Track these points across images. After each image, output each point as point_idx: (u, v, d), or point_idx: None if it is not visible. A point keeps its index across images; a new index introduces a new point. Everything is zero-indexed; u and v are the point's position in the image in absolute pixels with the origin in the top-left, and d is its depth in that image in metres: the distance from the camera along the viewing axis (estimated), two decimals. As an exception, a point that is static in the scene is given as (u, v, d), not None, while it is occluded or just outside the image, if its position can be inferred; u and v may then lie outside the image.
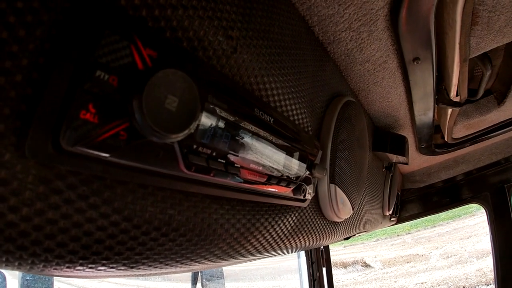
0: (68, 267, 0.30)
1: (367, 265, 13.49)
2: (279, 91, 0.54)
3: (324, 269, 2.38)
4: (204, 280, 2.77)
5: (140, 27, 0.28)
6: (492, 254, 2.29)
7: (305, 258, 2.37)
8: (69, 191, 0.27)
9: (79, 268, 0.31)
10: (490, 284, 8.76)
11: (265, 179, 0.46)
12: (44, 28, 0.24)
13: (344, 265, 13.62)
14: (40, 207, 0.26)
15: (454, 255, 11.81)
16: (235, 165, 0.40)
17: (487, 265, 9.40)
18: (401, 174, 2.52)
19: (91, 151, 0.25)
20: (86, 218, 0.28)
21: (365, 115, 1.23)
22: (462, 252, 11.69)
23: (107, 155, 0.26)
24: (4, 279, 2.10)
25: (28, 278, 1.75)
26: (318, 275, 2.35)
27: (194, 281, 2.37)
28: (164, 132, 0.27)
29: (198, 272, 2.41)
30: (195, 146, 0.33)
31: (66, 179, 0.27)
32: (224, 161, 0.38)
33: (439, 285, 10.23)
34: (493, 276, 2.29)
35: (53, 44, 0.24)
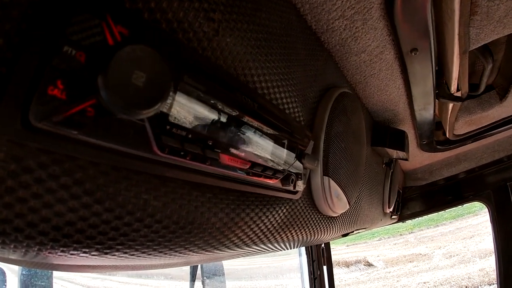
0: (39, 250, 0.29)
1: (369, 264, 13.49)
2: (266, 77, 0.52)
3: (325, 268, 2.37)
4: (204, 277, 2.77)
5: (113, 6, 0.27)
6: (495, 253, 2.26)
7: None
8: (40, 170, 0.26)
9: (50, 251, 0.30)
10: (493, 284, 8.73)
11: (248, 166, 0.44)
12: (21, 8, 0.24)
13: (347, 264, 13.64)
14: (10, 185, 0.25)
15: (457, 255, 11.79)
16: (215, 149, 0.38)
17: (490, 264, 9.37)
18: (402, 171, 2.49)
19: (58, 127, 0.25)
20: (56, 198, 0.28)
21: (363, 108, 1.21)
22: (465, 252, 11.66)
23: (74, 132, 0.26)
24: (4, 274, 2.10)
25: (24, 272, 1.76)
26: (319, 273, 2.34)
27: (193, 278, 2.36)
28: (130, 108, 0.26)
29: (197, 269, 2.40)
30: (168, 127, 0.32)
31: (38, 157, 0.26)
32: (201, 145, 0.36)
33: (441, 284, 10.21)
34: (495, 275, 2.26)
35: (29, 24, 0.24)
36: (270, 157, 0.49)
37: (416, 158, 2.11)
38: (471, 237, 12.63)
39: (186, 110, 0.34)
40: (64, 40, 0.24)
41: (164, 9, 0.34)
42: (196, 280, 2.45)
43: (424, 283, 10.68)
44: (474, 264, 10.63)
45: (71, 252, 0.32)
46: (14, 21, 0.24)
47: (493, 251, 2.29)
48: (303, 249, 2.39)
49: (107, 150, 0.29)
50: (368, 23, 0.74)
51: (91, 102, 0.26)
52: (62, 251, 0.31)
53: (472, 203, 2.55)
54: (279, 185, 0.54)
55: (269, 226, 0.59)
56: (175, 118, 0.33)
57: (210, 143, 0.38)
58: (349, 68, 0.93)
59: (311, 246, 2.35)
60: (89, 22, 0.26)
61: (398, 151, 1.39)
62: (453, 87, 1.16)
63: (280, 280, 10.92)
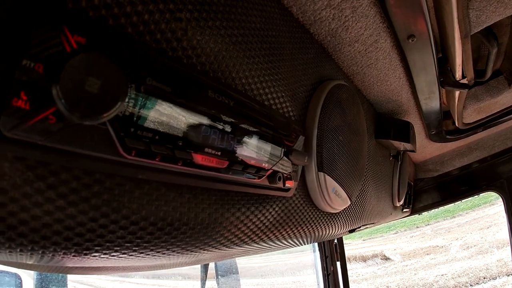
0: (21, 251, 0.31)
1: (386, 258, 13.39)
2: (246, 73, 0.51)
3: (338, 264, 2.34)
4: (219, 276, 2.77)
5: (70, 16, 0.29)
6: (510, 243, 2.20)
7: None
8: (16, 176, 0.28)
9: (28, 253, 0.32)
10: (511, 274, 8.57)
11: (226, 165, 0.43)
12: None
13: (364, 259, 13.57)
14: None
15: (475, 246, 11.60)
16: (186, 150, 0.38)
17: (508, 255, 9.19)
18: (413, 163, 2.44)
19: (24, 135, 0.26)
20: (32, 202, 0.29)
21: (364, 100, 1.18)
22: (483, 243, 11.47)
23: (40, 138, 0.27)
24: (19, 278, 2.15)
25: (36, 277, 1.79)
26: (332, 269, 2.31)
27: (204, 277, 2.36)
28: (85, 115, 0.28)
29: (208, 268, 2.41)
30: (133, 130, 0.32)
31: (13, 164, 0.28)
32: (171, 146, 0.36)
33: (459, 276, 10.06)
34: (513, 266, 2.21)
35: None
36: (251, 155, 0.48)
37: (426, 149, 2.06)
38: (488, 227, 12.41)
39: (152, 111, 0.34)
40: (22, 53, 0.26)
41: (128, 13, 0.35)
42: (209, 278, 2.46)
43: (442, 275, 10.54)
44: (492, 254, 10.46)
45: (52, 253, 0.33)
46: None
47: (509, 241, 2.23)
48: (316, 245, 2.37)
49: (75, 155, 0.30)
50: (357, 10, 0.71)
51: (52, 110, 0.27)
52: (43, 252, 0.32)
53: (487, 192, 2.49)
54: (266, 182, 0.53)
55: (259, 225, 0.57)
56: (140, 120, 0.33)
57: (180, 144, 0.37)
58: (344, 59, 0.90)
59: (323, 242, 2.33)
60: (47, 35, 0.27)
61: (404, 143, 1.35)
62: (458, 74, 1.12)
63: (297, 276, 10.92)
